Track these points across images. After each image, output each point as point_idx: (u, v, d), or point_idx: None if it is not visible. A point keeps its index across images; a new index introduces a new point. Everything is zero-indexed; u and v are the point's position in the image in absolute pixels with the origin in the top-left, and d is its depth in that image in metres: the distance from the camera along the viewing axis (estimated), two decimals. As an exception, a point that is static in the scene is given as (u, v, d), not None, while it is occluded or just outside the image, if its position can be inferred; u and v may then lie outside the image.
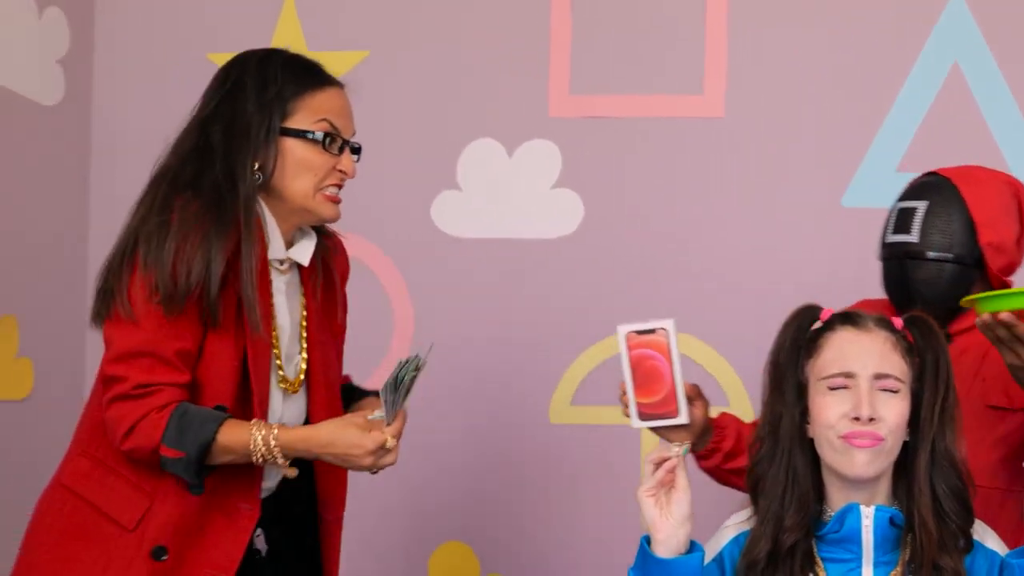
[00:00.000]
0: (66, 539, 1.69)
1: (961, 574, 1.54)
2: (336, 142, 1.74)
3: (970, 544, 1.56)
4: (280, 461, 1.60)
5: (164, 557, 1.65)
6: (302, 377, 1.80)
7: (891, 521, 1.54)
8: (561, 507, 2.57)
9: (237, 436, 1.60)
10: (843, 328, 1.59)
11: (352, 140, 1.80)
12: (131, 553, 1.66)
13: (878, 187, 2.49)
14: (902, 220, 1.84)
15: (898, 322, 1.61)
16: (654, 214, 2.49)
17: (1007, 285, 1.86)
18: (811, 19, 2.57)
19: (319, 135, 1.71)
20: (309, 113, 1.73)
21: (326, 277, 1.86)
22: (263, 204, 1.75)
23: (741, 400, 2.48)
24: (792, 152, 2.58)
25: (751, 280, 2.56)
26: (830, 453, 1.55)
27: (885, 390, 1.54)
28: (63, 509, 1.71)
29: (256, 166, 1.71)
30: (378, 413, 1.69)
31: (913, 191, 1.89)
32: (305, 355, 1.79)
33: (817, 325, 1.61)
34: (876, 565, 1.54)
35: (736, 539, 1.63)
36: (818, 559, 1.57)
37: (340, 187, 1.78)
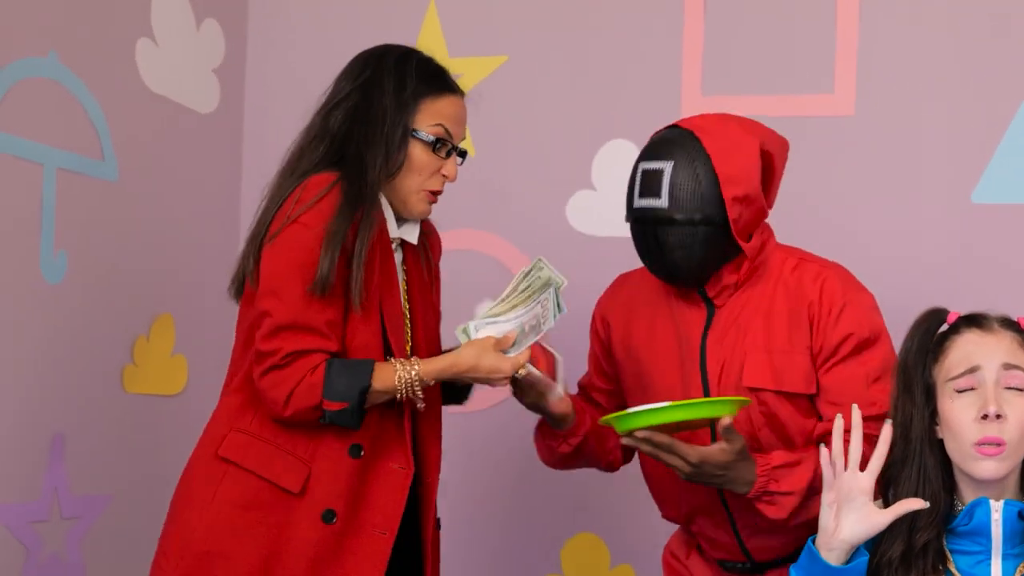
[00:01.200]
0: (237, 509, 1.74)
1: None
2: (445, 147, 1.81)
3: None
4: (419, 393, 1.69)
5: (334, 520, 1.71)
6: (408, 345, 1.86)
7: (1020, 515, 1.54)
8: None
9: (387, 375, 1.68)
10: (968, 330, 1.60)
11: (460, 146, 1.85)
12: (302, 516, 1.72)
13: (1009, 182, 2.49)
14: (648, 183, 1.73)
15: (1023, 321, 1.61)
16: (784, 213, 2.52)
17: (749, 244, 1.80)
18: (939, 16, 2.56)
19: (432, 138, 1.79)
20: (429, 116, 1.80)
21: (425, 257, 1.94)
22: (382, 191, 1.83)
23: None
24: (922, 148, 2.57)
25: (881, 279, 2.50)
26: (960, 458, 1.56)
27: (1010, 387, 1.54)
28: (225, 481, 1.76)
29: (386, 158, 1.78)
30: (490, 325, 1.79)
31: (656, 148, 1.79)
32: (409, 326, 1.86)
33: (943, 328, 1.62)
34: (1005, 557, 1.55)
35: None
36: (948, 552, 1.58)
37: (439, 191, 1.85)
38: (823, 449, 1.58)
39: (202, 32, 2.80)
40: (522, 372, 1.72)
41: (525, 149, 2.73)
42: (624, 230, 2.60)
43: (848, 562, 1.55)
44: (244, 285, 1.84)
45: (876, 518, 1.55)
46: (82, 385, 2.46)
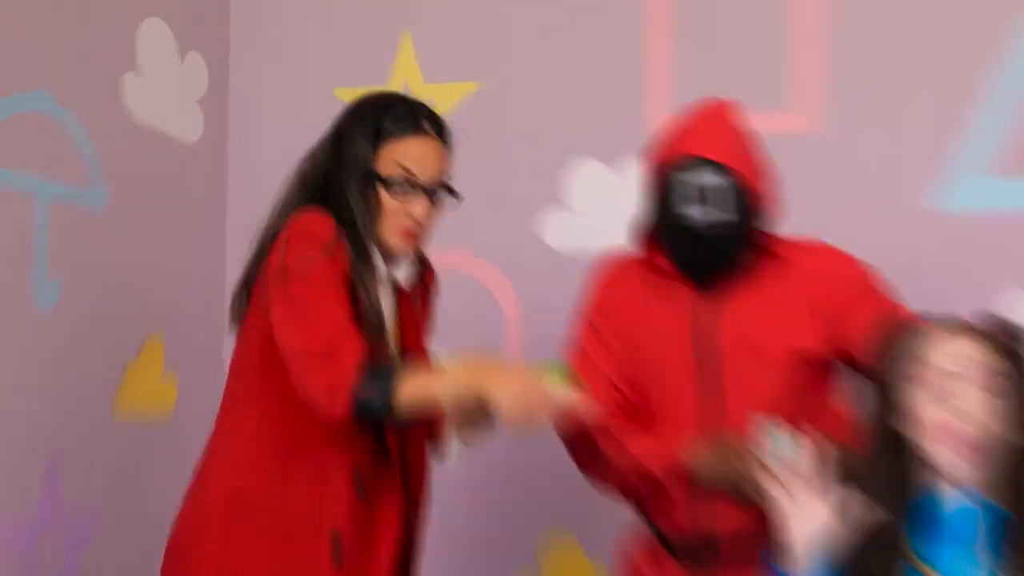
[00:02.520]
0: (244, 546, 1.81)
1: None
2: (405, 187, 1.82)
3: None
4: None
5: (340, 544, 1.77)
6: None
7: (996, 515, 1.57)
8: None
9: (422, 383, 1.68)
10: (939, 331, 1.64)
11: (435, 185, 1.85)
12: (308, 545, 1.78)
13: (958, 190, 2.56)
14: (685, 191, 1.83)
15: (982, 328, 1.65)
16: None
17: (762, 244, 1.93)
18: (894, 41, 2.63)
19: (391, 179, 1.81)
20: (390, 159, 1.83)
21: (422, 297, 1.98)
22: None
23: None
24: (869, 156, 2.64)
25: None
26: (931, 453, 1.60)
27: (980, 387, 1.58)
28: (236, 524, 1.81)
29: (364, 202, 1.82)
30: None
31: (703, 169, 1.86)
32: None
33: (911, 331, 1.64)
34: (970, 551, 1.57)
35: None
36: (908, 547, 1.60)
37: (414, 232, 1.85)
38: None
39: (186, 64, 2.87)
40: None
41: (498, 169, 2.77)
42: (595, 244, 2.57)
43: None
44: (244, 314, 1.88)
45: (825, 513, 1.61)
46: (75, 406, 2.50)
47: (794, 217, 2.43)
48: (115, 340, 2.63)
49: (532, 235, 2.76)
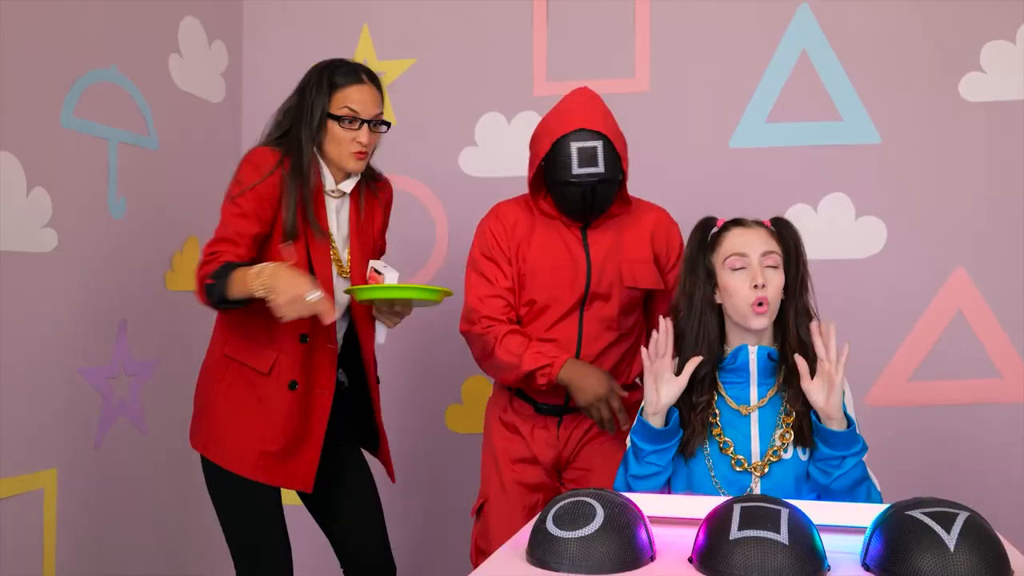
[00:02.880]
0: (234, 390, 2.07)
1: None
2: (354, 122, 2.05)
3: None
4: (260, 292, 1.84)
5: (296, 387, 2.05)
6: (347, 266, 2.13)
7: (769, 356, 1.84)
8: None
9: (242, 278, 1.86)
10: (735, 227, 1.87)
11: (374, 119, 2.06)
12: (275, 389, 2.05)
13: (757, 131, 3.04)
14: (587, 156, 2.04)
15: (767, 223, 1.89)
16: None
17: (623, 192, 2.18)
18: (704, 22, 3.07)
19: (341, 116, 2.05)
20: (338, 102, 2.05)
21: (369, 204, 2.16)
22: (321, 158, 2.08)
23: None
24: (693, 110, 3.06)
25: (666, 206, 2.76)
26: (739, 316, 1.82)
27: (769, 266, 1.81)
28: (227, 374, 2.07)
29: (312, 133, 2.02)
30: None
31: (585, 136, 2.08)
32: (349, 252, 2.12)
33: (715, 229, 1.90)
34: (759, 385, 1.86)
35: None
36: (719, 383, 1.88)
37: (363, 151, 2.06)
38: (643, 349, 1.83)
39: (213, 48, 3.22)
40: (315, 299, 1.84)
41: (430, 120, 3.24)
42: (497, 172, 3.11)
43: (667, 423, 1.80)
44: None
45: (679, 380, 1.79)
46: (138, 284, 2.81)
47: (639, 157, 2.61)
48: (165, 239, 2.94)
49: (454, 165, 3.21)
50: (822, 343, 1.75)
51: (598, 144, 2.03)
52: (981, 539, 1.27)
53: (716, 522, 1.36)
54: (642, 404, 1.81)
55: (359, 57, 3.26)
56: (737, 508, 1.35)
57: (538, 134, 2.15)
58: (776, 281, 1.80)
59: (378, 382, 2.24)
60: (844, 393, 1.79)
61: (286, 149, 2.03)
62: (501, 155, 3.19)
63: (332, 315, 1.85)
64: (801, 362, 1.75)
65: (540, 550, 1.36)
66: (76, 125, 2.59)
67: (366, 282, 2.11)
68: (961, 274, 3.00)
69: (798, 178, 3.04)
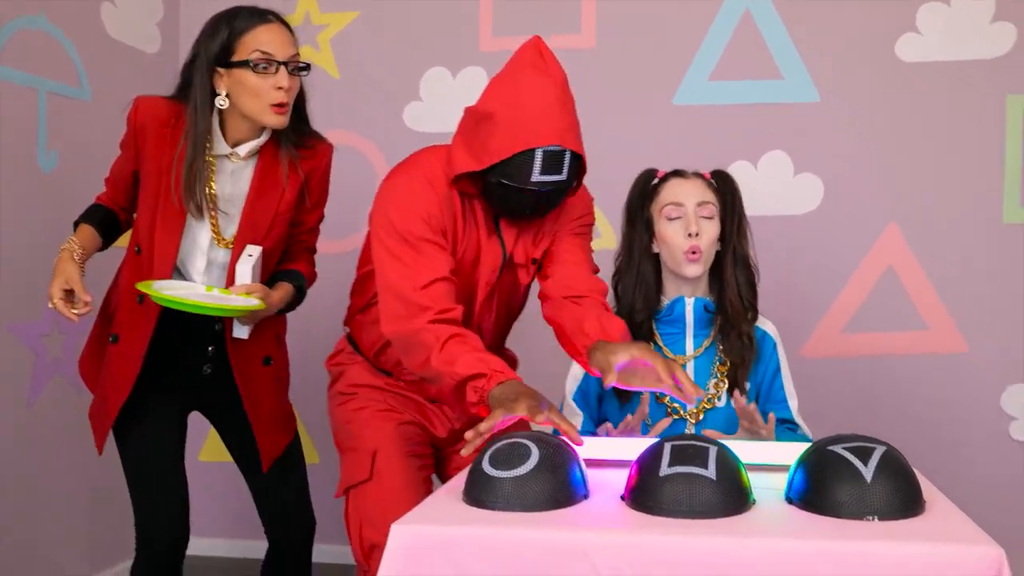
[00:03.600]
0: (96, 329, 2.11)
1: (752, 336, 1.90)
2: (269, 66, 1.85)
3: (756, 316, 1.92)
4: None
5: (116, 341, 2.02)
6: (230, 239, 1.98)
7: (705, 308, 1.89)
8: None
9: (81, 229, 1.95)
10: (674, 178, 1.91)
11: (290, 61, 1.86)
12: (100, 332, 2.08)
13: (700, 89, 3.09)
14: (552, 163, 1.68)
15: (707, 175, 1.93)
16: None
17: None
18: None
19: (252, 62, 1.85)
20: (246, 47, 1.86)
21: (274, 171, 1.96)
22: (216, 115, 1.90)
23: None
24: (638, 67, 3.10)
25: (605, 163, 2.71)
26: (673, 264, 1.86)
27: (703, 217, 1.85)
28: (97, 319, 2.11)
29: (216, 89, 1.87)
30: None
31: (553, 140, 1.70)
32: (240, 223, 1.98)
33: (656, 180, 1.95)
34: (695, 336, 1.92)
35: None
36: (656, 333, 1.93)
37: (284, 102, 1.86)
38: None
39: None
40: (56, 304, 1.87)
41: (375, 74, 3.25)
42: (442, 127, 3.05)
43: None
44: None
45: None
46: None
47: (585, 112, 2.39)
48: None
49: (398, 120, 3.23)
50: (757, 422, 1.77)
51: (567, 149, 1.70)
52: (896, 472, 1.32)
53: (647, 460, 1.39)
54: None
55: (301, 10, 3.25)
56: (668, 446, 1.38)
57: (498, 129, 1.70)
58: (711, 231, 1.84)
59: (267, 363, 2.08)
60: (791, 399, 1.91)
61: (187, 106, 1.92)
62: (446, 110, 3.19)
63: (74, 320, 1.87)
64: (740, 404, 1.78)
65: (476, 490, 1.38)
66: (2, 74, 2.55)
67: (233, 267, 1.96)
68: (893, 230, 3.09)
69: (740, 135, 3.10)
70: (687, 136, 3.09)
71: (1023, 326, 3.03)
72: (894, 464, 1.33)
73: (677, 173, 1.91)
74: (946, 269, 3.05)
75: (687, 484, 1.31)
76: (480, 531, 1.27)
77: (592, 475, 1.50)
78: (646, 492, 1.34)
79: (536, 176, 1.70)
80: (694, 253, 1.82)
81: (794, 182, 3.12)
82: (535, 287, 1.98)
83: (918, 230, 3.07)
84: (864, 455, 1.33)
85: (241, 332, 2.01)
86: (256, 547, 2.26)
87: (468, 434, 1.51)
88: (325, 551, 2.62)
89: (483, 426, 1.50)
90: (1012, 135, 3.00)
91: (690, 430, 1.88)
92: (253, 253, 1.96)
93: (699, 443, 1.39)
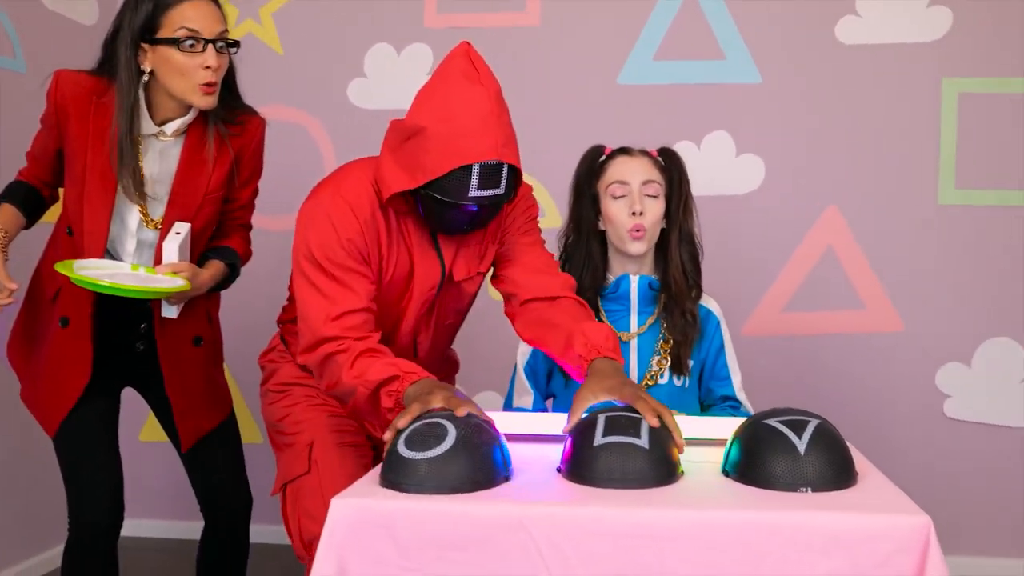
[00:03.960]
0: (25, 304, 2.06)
1: (695, 314, 1.92)
2: (196, 44, 1.79)
3: (700, 293, 1.93)
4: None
5: (67, 325, 1.96)
6: (159, 220, 1.93)
7: (650, 286, 1.91)
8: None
9: None
10: (620, 156, 1.92)
11: (218, 38, 1.80)
12: (49, 318, 2.00)
13: (645, 69, 3.11)
14: (489, 178, 1.62)
15: (654, 153, 1.94)
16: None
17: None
18: None
19: (178, 40, 1.79)
20: (171, 24, 1.79)
21: (202, 149, 1.91)
22: (142, 92, 1.83)
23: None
24: (582, 46, 3.10)
25: (555, 141, 2.92)
26: (618, 241, 1.87)
27: (648, 195, 1.86)
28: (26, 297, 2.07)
29: (141, 66, 1.81)
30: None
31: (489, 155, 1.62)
32: (168, 203, 1.93)
33: (603, 158, 1.95)
34: (640, 313, 1.93)
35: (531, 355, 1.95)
36: (602, 309, 1.94)
37: (212, 82, 1.80)
38: None
39: None
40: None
41: (318, 51, 3.22)
42: (386, 104, 3.09)
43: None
44: None
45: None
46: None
47: (529, 92, 2.81)
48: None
49: (342, 96, 3.20)
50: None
51: (504, 163, 1.65)
52: (829, 444, 1.35)
53: (582, 432, 1.40)
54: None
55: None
56: (602, 418, 1.40)
57: (431, 144, 1.64)
58: (655, 209, 1.86)
59: (197, 343, 2.05)
60: (734, 376, 1.94)
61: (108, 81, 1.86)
62: (391, 87, 3.21)
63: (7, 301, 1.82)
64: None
65: (392, 472, 1.37)
66: (-68, 44, 2.47)
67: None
68: (833, 211, 3.14)
69: (683, 115, 3.12)
70: (631, 116, 3.10)
71: (957, 306, 3.10)
72: (827, 437, 1.37)
73: (623, 151, 1.92)
74: (884, 250, 3.11)
75: (620, 453, 1.33)
76: (420, 506, 1.27)
77: (532, 449, 1.51)
78: (581, 463, 1.36)
79: (473, 191, 1.64)
80: (638, 231, 1.84)
81: (736, 162, 3.15)
82: (486, 284, 1.96)
83: (857, 211, 3.12)
84: (798, 428, 1.36)
85: (169, 312, 1.96)
86: (197, 528, 2.24)
87: (386, 435, 1.46)
88: (263, 531, 2.59)
89: (400, 422, 1.46)
90: (947, 118, 3.06)
91: None
92: (181, 231, 1.91)
93: (633, 414, 1.41)
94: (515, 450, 1.50)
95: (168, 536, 3.36)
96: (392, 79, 3.22)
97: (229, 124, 1.93)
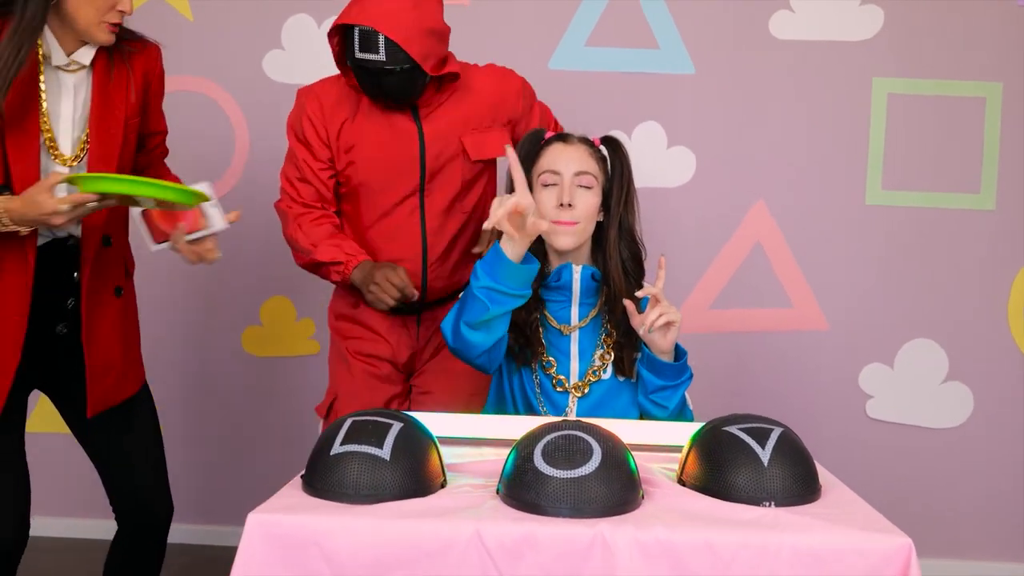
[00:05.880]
0: None
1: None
2: None
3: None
4: (10, 226, 1.69)
5: None
6: (75, 152, 1.81)
7: (592, 276, 1.83)
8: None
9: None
10: (557, 143, 1.85)
11: None
12: None
13: (576, 55, 3.04)
14: (367, 42, 1.95)
15: (596, 141, 1.87)
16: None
17: (434, 75, 2.05)
18: None
19: None
20: None
21: (120, 76, 1.85)
22: (48, 23, 1.74)
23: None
24: (513, 28, 3.04)
25: None
26: (544, 233, 1.75)
27: (581, 186, 1.80)
28: None
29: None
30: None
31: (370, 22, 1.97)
32: (87, 136, 1.82)
33: (541, 143, 1.88)
34: (581, 305, 1.86)
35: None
36: (543, 300, 1.87)
37: (119, 23, 1.79)
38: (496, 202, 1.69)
39: None
40: (61, 207, 1.66)
41: (232, 18, 3.08)
42: (305, 78, 2.70)
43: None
44: None
45: (531, 230, 1.66)
46: None
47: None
48: None
49: (257, 69, 3.08)
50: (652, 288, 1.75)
51: (381, 33, 1.94)
52: (793, 455, 1.28)
53: (523, 449, 1.29)
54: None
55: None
56: (546, 439, 1.28)
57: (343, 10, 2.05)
58: (587, 201, 1.79)
59: (118, 294, 1.95)
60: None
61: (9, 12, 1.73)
62: (311, 60, 3.06)
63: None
64: (631, 305, 1.75)
65: (318, 478, 1.25)
66: None
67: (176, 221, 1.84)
68: (761, 207, 3.12)
69: (614, 104, 3.05)
70: (562, 102, 2.86)
71: (881, 307, 3.12)
72: (791, 447, 1.30)
73: (561, 138, 1.86)
74: (811, 248, 3.11)
75: (570, 485, 1.22)
76: (357, 522, 1.15)
77: (463, 453, 1.41)
78: (521, 486, 1.25)
79: (358, 53, 1.96)
80: (565, 223, 1.78)
81: (667, 155, 3.11)
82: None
83: (785, 208, 3.11)
84: (760, 437, 1.28)
85: (159, 247, 1.86)
86: (93, 527, 2.05)
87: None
88: (176, 530, 2.41)
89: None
90: (876, 118, 3.07)
91: (572, 404, 1.82)
92: (211, 192, 1.80)
93: (579, 432, 1.29)
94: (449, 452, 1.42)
95: (66, 536, 3.14)
96: (311, 52, 3.07)
97: (131, 42, 1.88)
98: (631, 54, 3.07)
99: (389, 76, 1.99)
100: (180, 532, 2.36)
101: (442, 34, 2.11)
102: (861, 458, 3.11)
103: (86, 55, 1.81)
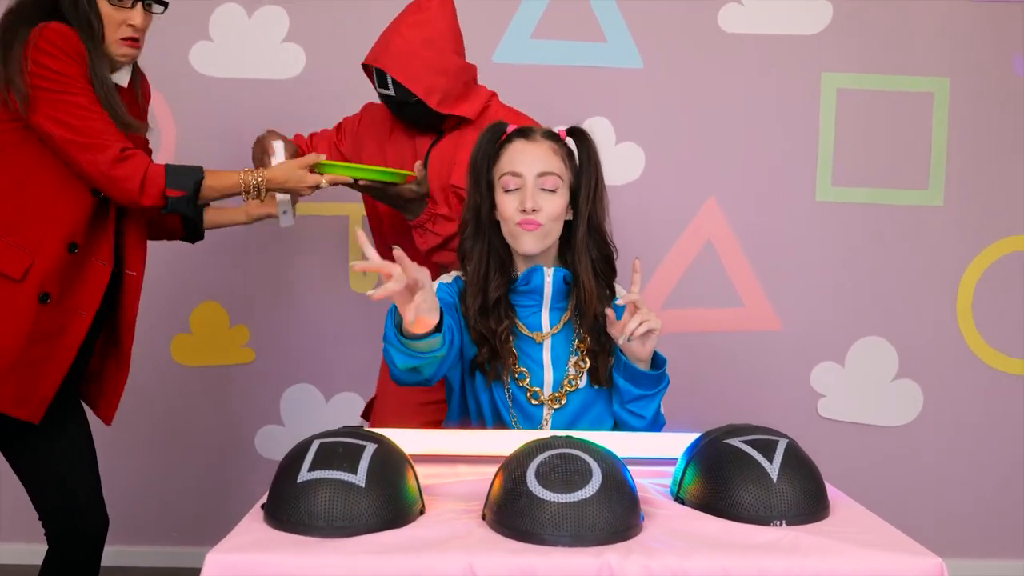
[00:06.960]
0: None
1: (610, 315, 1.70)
2: (125, 0, 1.91)
3: (613, 294, 1.78)
4: (263, 196, 1.94)
5: (48, 300, 1.87)
6: None
7: (564, 279, 1.74)
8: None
9: (221, 177, 1.93)
10: (518, 140, 1.75)
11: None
12: (22, 299, 1.85)
13: (520, 48, 2.98)
14: (382, 79, 2.14)
15: (562, 133, 1.77)
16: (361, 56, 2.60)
17: (442, 112, 2.16)
18: None
19: None
20: None
21: (135, 98, 2.06)
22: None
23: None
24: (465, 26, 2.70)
25: None
26: (509, 237, 1.73)
27: (545, 189, 1.70)
28: None
29: (89, 19, 1.86)
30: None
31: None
32: None
33: (502, 139, 1.77)
34: (552, 310, 1.77)
35: (456, 280, 1.80)
36: (512, 305, 1.76)
37: (135, 38, 1.94)
38: None
39: None
40: (324, 184, 1.98)
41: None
42: (235, 71, 2.91)
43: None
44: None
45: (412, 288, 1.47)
46: None
47: None
48: None
49: (183, 61, 2.94)
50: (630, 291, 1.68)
51: (389, 76, 2.13)
52: (802, 468, 1.20)
53: (513, 471, 1.18)
54: None
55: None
56: (538, 459, 1.17)
57: None
58: (553, 204, 1.70)
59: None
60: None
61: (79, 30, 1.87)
62: (240, 52, 2.96)
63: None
64: (611, 313, 1.67)
65: (281, 509, 1.12)
66: None
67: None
68: (712, 204, 3.07)
69: (561, 98, 2.97)
70: (507, 97, 2.77)
71: (832, 305, 3.09)
72: (798, 460, 1.21)
73: (523, 133, 1.75)
74: (761, 246, 3.07)
75: (568, 510, 1.11)
76: (328, 559, 1.01)
77: (439, 473, 1.28)
78: (511, 512, 1.14)
79: (377, 87, 2.18)
80: (529, 225, 1.68)
81: (616, 151, 3.04)
82: None
83: (735, 205, 3.06)
84: (767, 450, 1.18)
85: (289, 221, 2.15)
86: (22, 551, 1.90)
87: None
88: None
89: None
90: (826, 113, 3.05)
91: (547, 416, 1.73)
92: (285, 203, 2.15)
93: (574, 451, 1.18)
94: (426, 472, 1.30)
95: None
96: (241, 44, 2.95)
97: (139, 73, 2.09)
98: (578, 47, 3.00)
99: (404, 107, 2.18)
100: (108, 554, 2.19)
101: (456, 72, 2.20)
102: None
103: (124, 77, 1.99)
